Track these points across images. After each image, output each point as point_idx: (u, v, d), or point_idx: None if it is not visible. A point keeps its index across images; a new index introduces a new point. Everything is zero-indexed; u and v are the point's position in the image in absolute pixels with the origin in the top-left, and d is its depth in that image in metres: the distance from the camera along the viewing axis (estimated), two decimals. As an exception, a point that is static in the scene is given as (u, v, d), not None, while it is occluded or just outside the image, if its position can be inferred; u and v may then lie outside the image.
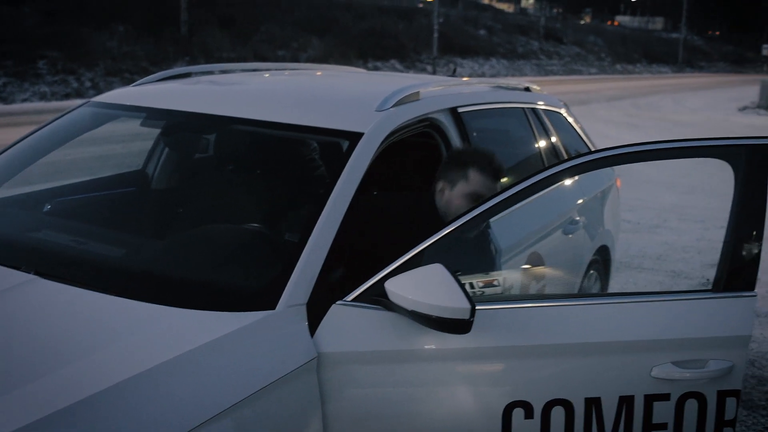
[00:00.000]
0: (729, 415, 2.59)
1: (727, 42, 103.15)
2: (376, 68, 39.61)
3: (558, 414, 2.51)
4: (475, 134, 3.73)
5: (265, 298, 2.41)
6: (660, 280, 6.89)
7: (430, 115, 3.40)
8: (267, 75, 4.14)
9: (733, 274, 2.58)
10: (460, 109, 3.68)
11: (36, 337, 2.23)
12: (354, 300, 2.45)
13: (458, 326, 2.29)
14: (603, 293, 2.73)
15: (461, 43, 54.13)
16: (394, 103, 3.14)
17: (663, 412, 2.56)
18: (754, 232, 2.56)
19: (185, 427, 1.95)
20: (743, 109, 30.32)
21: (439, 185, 3.18)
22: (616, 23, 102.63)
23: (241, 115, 3.17)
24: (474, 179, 3.10)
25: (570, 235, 4.29)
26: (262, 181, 3.27)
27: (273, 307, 2.38)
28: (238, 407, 2.09)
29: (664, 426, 2.57)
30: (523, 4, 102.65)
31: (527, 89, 4.82)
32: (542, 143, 4.55)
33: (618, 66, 69.23)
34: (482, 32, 61.05)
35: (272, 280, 2.48)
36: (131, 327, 2.29)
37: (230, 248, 2.81)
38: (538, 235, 3.92)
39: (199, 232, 2.91)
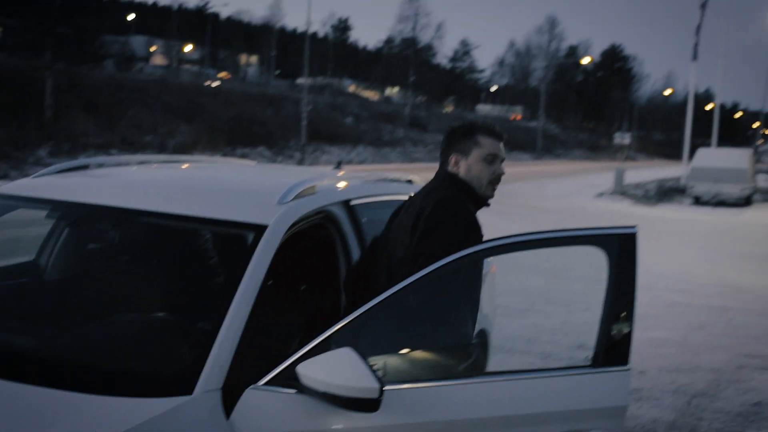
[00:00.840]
0: None
1: (582, 130, 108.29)
2: (244, 155, 39.64)
3: None
4: (365, 223, 3.97)
5: (182, 383, 2.53)
6: (531, 362, 7.24)
7: (326, 208, 3.61)
8: (168, 167, 4.27)
9: (609, 351, 2.89)
10: (353, 202, 3.92)
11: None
12: (267, 383, 2.60)
13: (367, 405, 2.49)
14: (503, 371, 2.96)
15: (329, 131, 54.98)
16: (293, 196, 3.34)
17: None
18: (626, 312, 2.89)
19: None
20: (600, 195, 31.96)
21: (452, 159, 3.39)
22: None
23: (147, 207, 3.30)
24: (485, 142, 3.36)
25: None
26: (165, 272, 3.38)
27: (190, 393, 2.51)
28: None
29: None
30: (388, 92, 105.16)
31: (410, 181, 5.11)
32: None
33: (480, 154, 71.52)
34: (349, 120, 62.26)
35: (188, 366, 2.61)
36: (54, 414, 2.37)
37: (146, 337, 2.92)
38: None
39: (114, 322, 3.00)
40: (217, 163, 4.98)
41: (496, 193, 3.46)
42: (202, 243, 3.39)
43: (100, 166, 4.13)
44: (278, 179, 4.15)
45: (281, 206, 3.26)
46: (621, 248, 2.96)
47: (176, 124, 42.13)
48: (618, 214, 24.92)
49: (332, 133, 55.33)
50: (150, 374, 2.66)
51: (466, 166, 3.37)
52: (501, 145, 3.42)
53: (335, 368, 2.52)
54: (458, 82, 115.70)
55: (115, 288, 3.32)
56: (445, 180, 3.42)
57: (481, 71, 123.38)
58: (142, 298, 3.22)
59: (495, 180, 3.38)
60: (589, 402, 2.85)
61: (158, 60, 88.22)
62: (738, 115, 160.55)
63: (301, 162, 42.29)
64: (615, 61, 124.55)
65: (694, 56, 40.76)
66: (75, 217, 3.62)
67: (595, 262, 3.04)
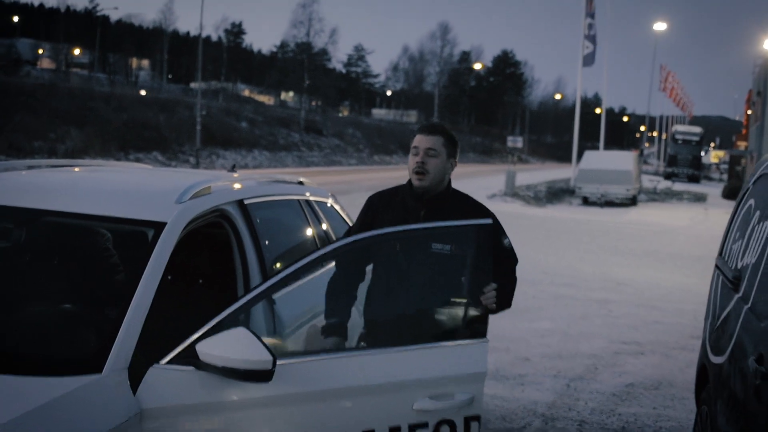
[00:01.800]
0: None
1: (476, 134, 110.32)
2: (137, 160, 39.14)
3: None
4: (258, 221, 4.23)
5: (92, 363, 2.77)
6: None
7: (220, 207, 3.86)
8: (69, 170, 4.45)
9: (469, 325, 3.40)
10: (246, 201, 4.17)
11: None
12: (168, 362, 2.87)
13: (262, 376, 2.80)
14: (377, 346, 3.37)
15: (223, 135, 54.67)
16: (190, 196, 3.59)
17: None
18: (482, 293, 3.43)
19: None
20: (492, 196, 32.82)
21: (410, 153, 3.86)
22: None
23: (53, 207, 3.51)
24: (415, 138, 3.81)
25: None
26: (72, 267, 3.58)
27: (100, 371, 2.75)
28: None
29: None
30: (283, 96, 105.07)
31: (300, 183, 5.39)
32: (315, 230, 5.11)
33: (375, 157, 72.22)
34: (244, 124, 61.98)
35: (97, 349, 2.84)
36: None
37: (57, 324, 3.14)
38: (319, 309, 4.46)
39: (28, 312, 3.20)
40: (114, 166, 5.17)
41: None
42: (106, 240, 3.59)
43: (5, 170, 4.27)
44: (175, 180, 4.37)
45: (179, 205, 3.51)
46: (479, 239, 3.43)
47: (66, 130, 41.31)
48: (509, 214, 25.62)
49: (227, 137, 55.05)
50: (63, 356, 2.88)
51: (410, 159, 3.84)
52: (429, 138, 3.78)
53: (232, 345, 2.82)
54: (353, 86, 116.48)
55: (28, 282, 3.49)
56: None
57: (376, 76, 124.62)
58: (52, 291, 3.41)
59: (416, 169, 3.73)
60: (454, 370, 3.25)
61: (46, 64, 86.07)
62: (626, 119, 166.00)
63: (196, 166, 41.96)
64: (507, 67, 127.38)
65: (585, 62, 42.09)
66: None
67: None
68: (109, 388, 2.75)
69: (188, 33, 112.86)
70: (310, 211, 5.17)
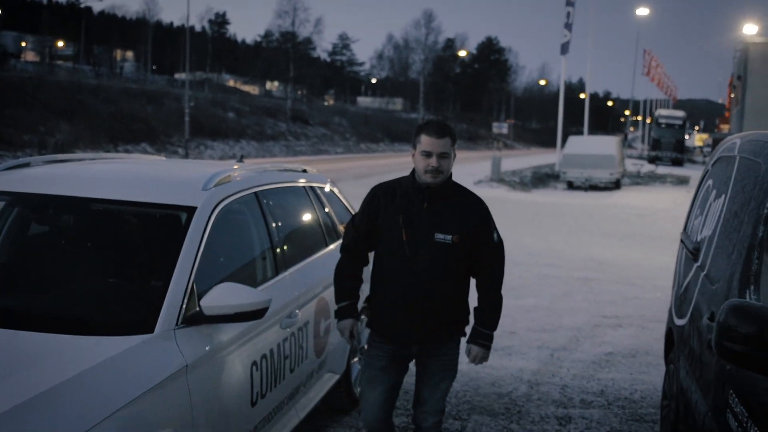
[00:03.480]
0: None
1: (461, 121, 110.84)
2: (127, 152, 39.47)
3: None
4: (272, 206, 4.76)
5: (145, 325, 3.31)
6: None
7: (239, 193, 4.39)
8: (102, 163, 4.97)
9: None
10: (259, 188, 4.70)
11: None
12: (183, 323, 3.49)
13: (262, 313, 3.63)
14: None
15: (211, 126, 55.00)
16: (214, 183, 4.14)
17: None
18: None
19: (93, 421, 2.75)
20: (478, 182, 33.36)
21: (411, 151, 4.08)
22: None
23: (98, 196, 4.06)
24: (423, 140, 3.97)
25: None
26: (121, 247, 4.12)
27: (152, 332, 3.29)
28: (136, 401, 2.97)
29: None
30: (268, 86, 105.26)
31: (304, 170, 5.91)
32: (319, 213, 5.65)
33: (362, 145, 72.61)
34: (231, 115, 62.31)
35: (149, 313, 3.38)
36: (45, 350, 3.08)
37: (114, 294, 3.69)
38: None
39: (92, 285, 3.76)
40: (138, 158, 5.69)
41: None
42: (146, 222, 4.13)
43: (48, 162, 4.80)
44: (196, 171, 4.89)
45: (205, 192, 4.05)
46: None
47: (55, 122, 41.56)
48: (495, 199, 26.17)
49: (215, 128, 55.40)
50: (122, 320, 3.43)
51: (414, 157, 4.05)
52: (440, 141, 3.96)
53: (234, 295, 3.55)
54: (338, 75, 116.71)
55: (89, 261, 4.05)
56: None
57: (361, 64, 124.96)
58: (109, 267, 3.96)
59: (430, 170, 3.94)
60: None
61: (30, 56, 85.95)
62: (611, 103, 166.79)
63: (185, 158, 42.32)
64: (491, 53, 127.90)
65: (562, 51, 42.54)
66: (37, 205, 4.31)
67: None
68: (160, 344, 3.30)
69: (172, 24, 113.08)
70: (314, 195, 5.70)
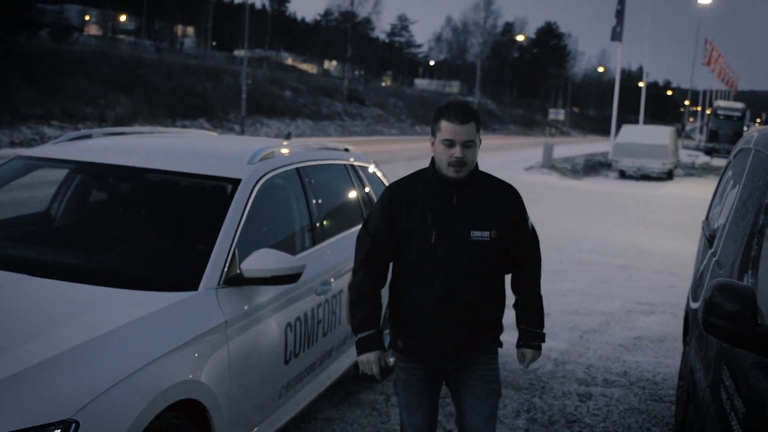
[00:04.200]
0: None
1: (518, 106, 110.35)
2: (184, 127, 40.17)
3: None
4: (312, 182, 5.10)
5: (191, 283, 3.69)
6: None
7: (281, 168, 4.74)
8: (157, 136, 5.39)
9: None
10: (301, 165, 5.04)
11: (38, 308, 3.39)
12: (224, 284, 3.86)
13: (297, 277, 3.98)
14: None
15: (268, 104, 55.58)
16: (258, 158, 4.50)
17: None
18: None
19: (140, 363, 3.13)
20: (529, 168, 33.46)
21: (431, 139, 3.58)
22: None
23: (151, 166, 4.45)
24: (444, 127, 3.46)
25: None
26: (171, 213, 4.52)
27: (196, 289, 3.67)
28: (179, 349, 3.34)
29: None
30: (326, 65, 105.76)
31: (346, 150, 6.24)
32: (358, 191, 5.98)
33: (417, 127, 72.68)
34: (288, 93, 62.84)
35: (194, 272, 3.75)
36: (112, 300, 3.48)
37: (164, 254, 4.09)
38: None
39: (141, 246, 4.16)
40: (191, 133, 6.09)
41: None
42: (195, 192, 4.52)
43: (107, 135, 5.22)
44: (243, 146, 5.26)
45: (250, 165, 4.42)
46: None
47: (116, 96, 42.45)
48: (543, 185, 26.36)
49: (271, 106, 56.00)
50: (169, 278, 3.81)
51: (434, 146, 3.55)
52: (464, 128, 3.46)
53: (271, 260, 3.89)
54: (396, 56, 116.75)
55: (142, 225, 4.46)
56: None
57: (419, 46, 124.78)
58: (160, 231, 4.37)
59: (454, 162, 3.45)
60: None
61: (93, 30, 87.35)
62: (670, 92, 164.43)
63: (241, 134, 42.99)
64: (550, 39, 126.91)
65: (612, 37, 42.28)
66: (98, 173, 4.73)
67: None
68: (203, 301, 3.67)
69: (232, 1, 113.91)
70: (354, 174, 6.03)
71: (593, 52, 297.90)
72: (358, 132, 61.41)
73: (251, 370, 3.93)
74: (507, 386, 6.26)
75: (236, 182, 4.28)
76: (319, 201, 5.17)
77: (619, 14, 41.53)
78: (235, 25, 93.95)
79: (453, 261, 3.49)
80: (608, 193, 26.57)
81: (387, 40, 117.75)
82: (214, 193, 4.36)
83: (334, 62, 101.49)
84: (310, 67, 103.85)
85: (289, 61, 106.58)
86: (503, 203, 3.62)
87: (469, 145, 3.48)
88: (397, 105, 79.41)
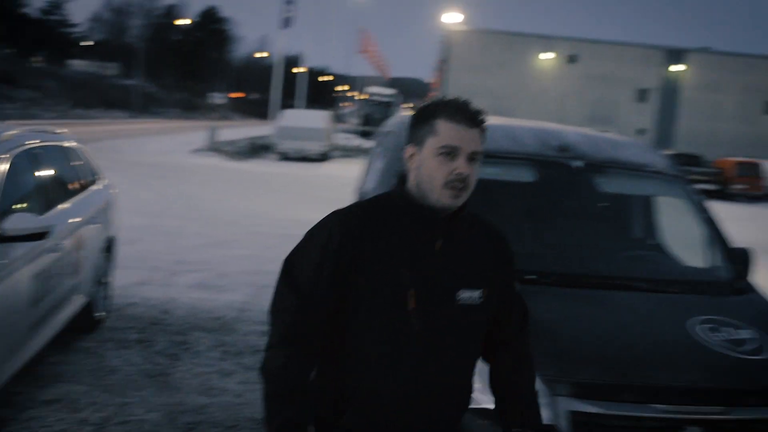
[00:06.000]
0: None
1: (180, 90, 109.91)
2: None
3: None
4: (37, 158, 6.15)
5: None
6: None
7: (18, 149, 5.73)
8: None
9: None
10: (22, 149, 5.85)
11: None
12: None
13: (45, 235, 4.95)
14: None
15: None
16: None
17: None
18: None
19: None
20: (195, 151, 34.55)
21: (408, 152, 2.51)
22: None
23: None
24: (444, 129, 2.41)
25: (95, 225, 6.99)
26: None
27: None
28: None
29: None
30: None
31: (60, 133, 7.28)
32: (72, 168, 7.08)
33: (76, 111, 70.49)
34: None
35: None
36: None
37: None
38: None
39: None
40: None
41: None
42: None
43: None
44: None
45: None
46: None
47: None
48: (210, 168, 27.79)
49: None
50: None
51: (419, 161, 2.46)
52: (472, 133, 2.42)
53: (27, 221, 5.15)
54: (49, 35, 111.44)
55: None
56: (398, 179, 2.58)
57: (74, 26, 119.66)
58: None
59: (454, 181, 2.39)
60: None
61: None
62: (328, 78, 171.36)
63: None
64: (212, 22, 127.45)
65: (285, 25, 44.55)
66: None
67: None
68: None
69: None
70: (69, 152, 7.16)
71: (255, 37, 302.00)
72: (12, 115, 58.22)
73: (6, 311, 4.89)
74: (200, 330, 7.66)
75: None
76: (45, 175, 6.22)
77: (291, 2, 43.72)
78: None
79: (433, 333, 2.45)
80: (272, 173, 28.56)
81: (41, 19, 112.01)
82: None
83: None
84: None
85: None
86: (494, 253, 2.64)
87: (476, 157, 2.44)
88: (52, 87, 76.32)
